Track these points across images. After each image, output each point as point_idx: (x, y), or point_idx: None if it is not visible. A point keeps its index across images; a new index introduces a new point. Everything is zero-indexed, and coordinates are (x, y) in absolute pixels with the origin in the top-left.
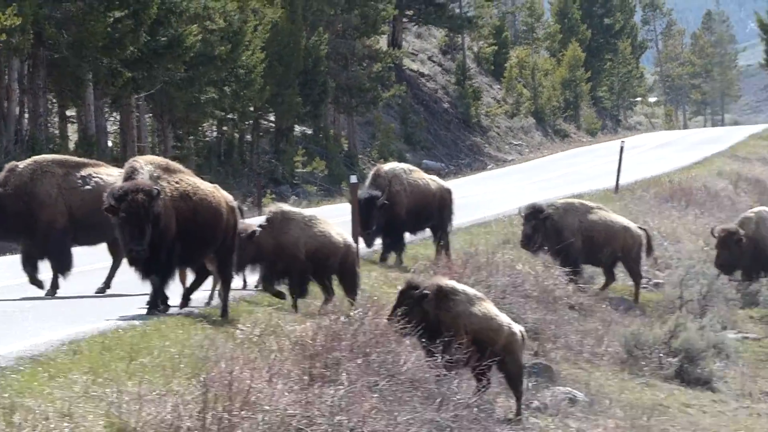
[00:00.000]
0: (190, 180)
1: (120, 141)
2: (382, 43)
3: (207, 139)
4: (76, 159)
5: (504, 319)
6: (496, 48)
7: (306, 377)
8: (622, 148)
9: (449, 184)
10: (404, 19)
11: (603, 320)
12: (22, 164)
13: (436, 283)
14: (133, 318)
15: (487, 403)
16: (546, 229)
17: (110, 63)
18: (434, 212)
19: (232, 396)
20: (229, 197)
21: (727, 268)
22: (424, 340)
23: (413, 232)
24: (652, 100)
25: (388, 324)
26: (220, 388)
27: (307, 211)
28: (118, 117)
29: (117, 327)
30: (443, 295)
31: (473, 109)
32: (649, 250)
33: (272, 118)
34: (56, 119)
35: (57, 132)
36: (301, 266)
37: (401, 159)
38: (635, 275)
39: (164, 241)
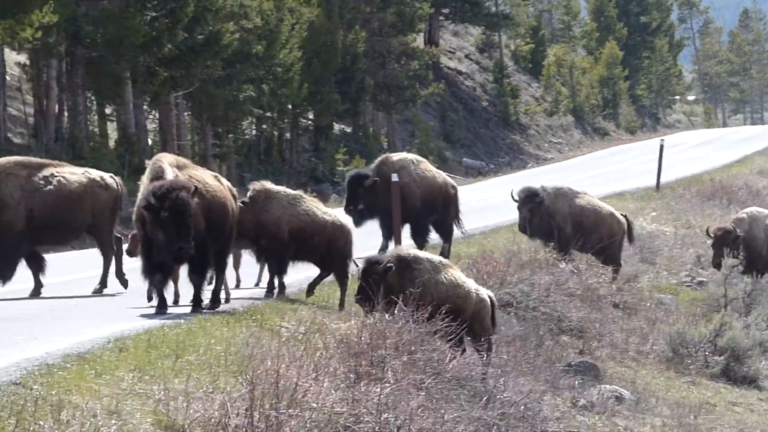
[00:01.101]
0: (199, 175)
1: (160, 139)
2: (419, 41)
3: (246, 137)
4: (38, 160)
5: (471, 285)
6: (533, 46)
7: (352, 375)
8: (662, 146)
9: (490, 182)
10: (440, 17)
11: (647, 318)
12: None
13: (396, 253)
14: (178, 316)
15: (534, 401)
16: (540, 213)
17: (148, 61)
18: (439, 206)
19: (279, 394)
20: (229, 184)
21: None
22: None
23: (420, 224)
24: (690, 98)
25: (357, 304)
26: (266, 385)
27: (293, 191)
28: (157, 115)
29: (162, 325)
30: (405, 265)
31: (512, 108)
32: (630, 238)
33: (311, 116)
34: (95, 117)
35: (97, 130)
36: (285, 244)
37: (441, 157)
38: (616, 263)
39: (198, 239)
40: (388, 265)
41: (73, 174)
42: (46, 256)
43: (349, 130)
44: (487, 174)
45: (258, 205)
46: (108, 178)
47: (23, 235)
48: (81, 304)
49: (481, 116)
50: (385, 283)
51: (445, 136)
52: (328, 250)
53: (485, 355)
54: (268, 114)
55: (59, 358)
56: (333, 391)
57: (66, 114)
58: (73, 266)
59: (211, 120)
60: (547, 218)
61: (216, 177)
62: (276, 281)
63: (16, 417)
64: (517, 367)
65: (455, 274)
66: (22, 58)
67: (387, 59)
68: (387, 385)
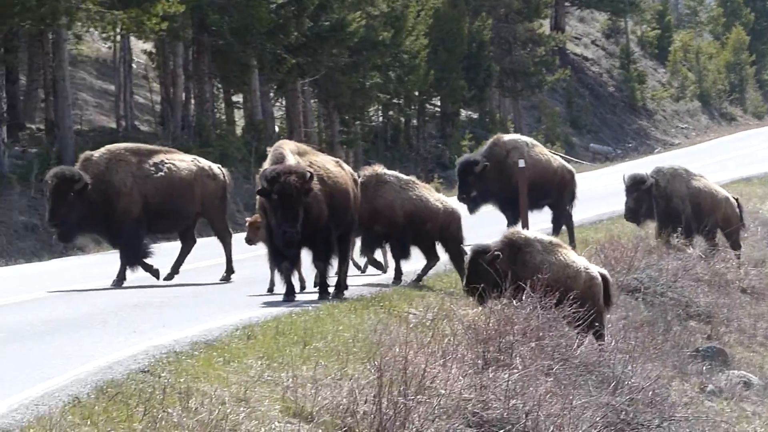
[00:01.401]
0: (320, 162)
1: (287, 126)
2: (545, 27)
3: (373, 123)
4: (148, 146)
5: (581, 263)
6: (659, 32)
7: (480, 361)
8: None
9: (617, 167)
10: (566, 3)
11: None
12: (96, 153)
13: (506, 238)
14: (306, 303)
15: (662, 387)
16: (652, 198)
17: (274, 49)
18: (552, 191)
19: (407, 380)
20: (351, 170)
21: None
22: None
23: (532, 208)
24: None
25: (464, 294)
26: (394, 372)
27: (405, 176)
28: (283, 102)
29: (290, 312)
30: (517, 249)
31: (638, 93)
32: (742, 222)
33: (438, 103)
34: (222, 105)
35: (224, 117)
36: (400, 229)
37: (568, 142)
38: (737, 246)
39: (320, 225)
40: (496, 253)
41: (183, 161)
42: (168, 245)
43: (475, 116)
44: (615, 159)
45: (370, 190)
46: (216, 168)
47: (140, 222)
48: (207, 291)
49: (608, 102)
50: (496, 271)
51: (572, 121)
52: (441, 236)
53: (600, 336)
54: (395, 101)
55: (187, 345)
56: (461, 378)
57: (193, 102)
58: (199, 254)
59: (337, 107)
60: (663, 200)
61: (338, 163)
62: (393, 267)
63: (145, 405)
64: (645, 353)
65: (566, 253)
66: (148, 46)
67: (513, 45)
68: (515, 371)
